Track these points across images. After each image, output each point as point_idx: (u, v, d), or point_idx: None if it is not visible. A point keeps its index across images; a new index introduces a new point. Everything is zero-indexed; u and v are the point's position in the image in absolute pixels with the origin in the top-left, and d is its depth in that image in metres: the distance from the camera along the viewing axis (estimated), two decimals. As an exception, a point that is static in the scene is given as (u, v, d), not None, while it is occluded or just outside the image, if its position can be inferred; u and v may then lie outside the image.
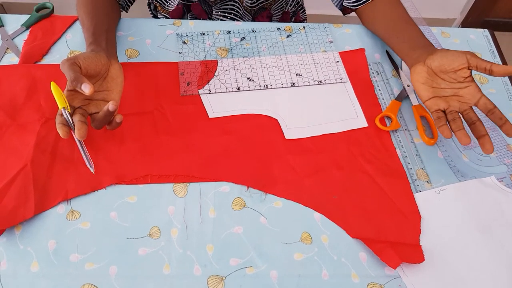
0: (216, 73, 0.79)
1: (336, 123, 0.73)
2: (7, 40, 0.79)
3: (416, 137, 0.74)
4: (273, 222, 0.64)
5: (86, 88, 0.60)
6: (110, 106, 0.62)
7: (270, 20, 1.01)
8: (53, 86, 0.64)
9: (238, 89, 0.77)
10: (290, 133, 0.72)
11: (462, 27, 2.06)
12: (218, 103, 0.75)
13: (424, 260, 0.60)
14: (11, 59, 0.78)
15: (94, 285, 0.58)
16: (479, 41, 0.89)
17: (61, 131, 0.62)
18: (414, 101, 0.78)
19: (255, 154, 0.70)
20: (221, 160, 0.69)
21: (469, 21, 2.06)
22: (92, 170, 0.64)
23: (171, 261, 0.60)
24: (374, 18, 0.84)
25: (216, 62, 0.80)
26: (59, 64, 0.75)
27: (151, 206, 0.64)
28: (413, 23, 0.78)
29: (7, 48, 0.78)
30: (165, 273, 0.59)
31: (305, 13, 1.13)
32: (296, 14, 1.10)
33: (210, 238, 0.62)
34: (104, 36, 0.72)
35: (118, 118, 0.64)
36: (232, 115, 0.74)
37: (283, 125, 0.73)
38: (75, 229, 0.62)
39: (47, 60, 0.78)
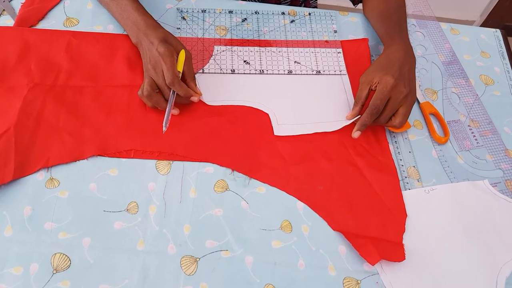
0: (213, 53, 0.76)
1: (328, 123, 0.70)
2: (4, 1, 0.78)
3: (411, 134, 0.71)
4: (254, 208, 0.62)
5: (195, 99, 0.69)
6: (195, 99, 0.69)
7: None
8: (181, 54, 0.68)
9: (233, 71, 0.75)
10: (280, 129, 0.69)
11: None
12: (210, 88, 0.72)
13: (404, 259, 0.58)
14: (6, 21, 0.77)
15: (66, 255, 0.57)
16: (489, 41, 0.85)
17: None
18: (421, 98, 0.75)
19: (244, 137, 0.68)
20: (207, 140, 0.67)
21: (488, 25, 2.00)
22: (164, 128, 0.64)
23: (146, 238, 0.59)
24: (368, 9, 0.84)
25: (213, 41, 0.78)
26: (53, 30, 0.75)
27: (131, 181, 0.63)
28: (392, 18, 0.76)
29: (3, 10, 0.77)
30: (139, 249, 0.58)
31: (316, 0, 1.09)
32: (306, 1, 1.07)
33: (188, 218, 0.61)
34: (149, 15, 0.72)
35: (193, 99, 0.69)
36: (222, 105, 0.71)
37: (274, 121, 0.70)
38: (53, 197, 0.61)
39: (43, 25, 0.77)
